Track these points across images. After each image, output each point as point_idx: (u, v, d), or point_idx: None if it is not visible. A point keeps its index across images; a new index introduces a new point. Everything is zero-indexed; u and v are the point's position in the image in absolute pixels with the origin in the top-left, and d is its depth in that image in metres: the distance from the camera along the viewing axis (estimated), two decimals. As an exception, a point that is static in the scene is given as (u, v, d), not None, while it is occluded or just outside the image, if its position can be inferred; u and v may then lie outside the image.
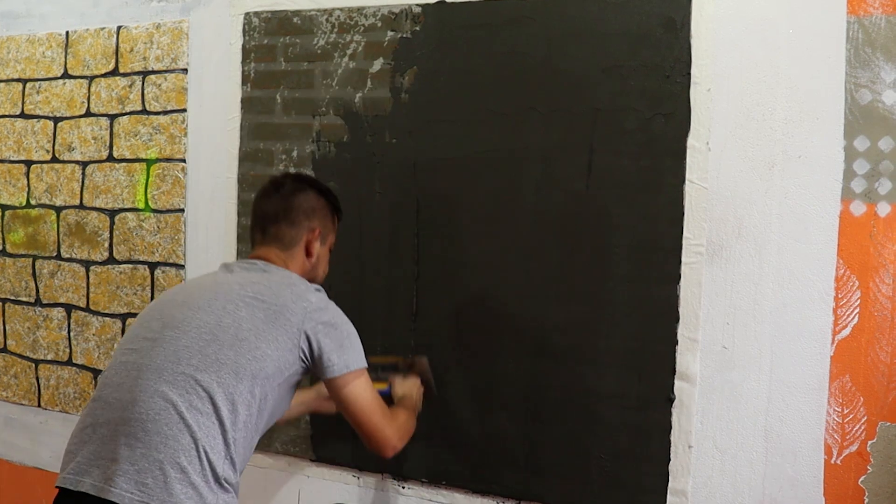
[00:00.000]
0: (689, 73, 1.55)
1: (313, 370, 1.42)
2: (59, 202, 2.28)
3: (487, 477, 1.72)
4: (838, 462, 1.48)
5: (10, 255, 2.37)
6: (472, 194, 1.72)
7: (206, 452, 1.28)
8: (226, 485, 1.31)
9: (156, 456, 1.25)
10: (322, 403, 1.73)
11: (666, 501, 1.58)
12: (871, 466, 1.46)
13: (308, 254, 1.54)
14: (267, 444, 1.95)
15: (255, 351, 1.34)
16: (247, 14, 1.96)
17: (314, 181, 1.62)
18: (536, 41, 1.66)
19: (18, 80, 2.33)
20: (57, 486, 1.33)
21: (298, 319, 1.38)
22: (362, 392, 1.43)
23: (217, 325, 1.34)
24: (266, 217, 1.54)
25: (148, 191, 2.14)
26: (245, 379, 1.32)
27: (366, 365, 1.45)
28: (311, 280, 1.54)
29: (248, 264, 1.49)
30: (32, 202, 2.32)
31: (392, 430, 1.46)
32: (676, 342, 1.56)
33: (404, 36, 1.78)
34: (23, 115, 2.33)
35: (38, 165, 2.31)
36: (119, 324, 2.19)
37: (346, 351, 1.41)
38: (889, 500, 1.45)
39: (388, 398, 1.66)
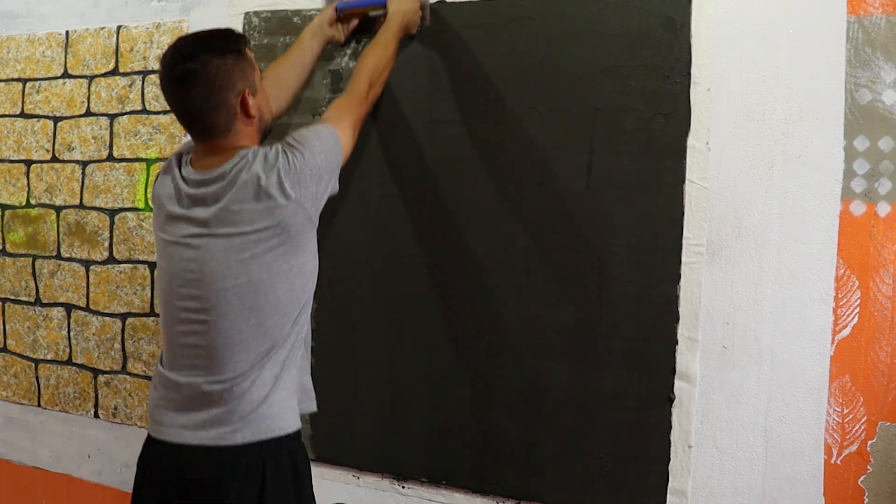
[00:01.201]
0: (689, 73, 1.54)
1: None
2: (59, 202, 2.28)
3: (487, 477, 1.72)
4: (838, 462, 1.48)
5: (10, 255, 2.37)
6: (472, 194, 1.72)
7: (291, 372, 1.45)
8: (307, 382, 1.53)
9: (252, 397, 1.40)
10: (330, 32, 1.77)
11: (666, 501, 1.58)
12: (871, 466, 1.46)
13: (248, 115, 1.42)
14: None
15: (292, 270, 1.40)
16: (247, 14, 1.96)
17: (206, 43, 1.41)
18: (536, 41, 1.66)
19: (18, 79, 2.33)
20: (156, 439, 1.46)
21: (303, 214, 1.39)
22: (349, 136, 1.52)
23: (249, 280, 1.38)
24: (189, 115, 1.41)
25: (148, 190, 2.14)
26: (300, 291, 1.43)
27: (339, 140, 1.48)
28: (265, 126, 1.51)
29: (209, 185, 1.39)
30: (32, 202, 2.32)
31: (364, 103, 1.58)
32: (676, 342, 1.56)
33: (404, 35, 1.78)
34: (23, 115, 2.33)
35: (38, 165, 2.31)
36: (119, 323, 2.19)
37: (334, 168, 1.46)
38: (889, 500, 1.45)
39: (381, 7, 1.73)
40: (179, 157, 1.48)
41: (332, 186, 1.48)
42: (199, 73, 1.36)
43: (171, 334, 1.46)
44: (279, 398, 1.42)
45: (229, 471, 1.39)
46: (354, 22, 1.81)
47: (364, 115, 1.61)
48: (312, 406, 1.55)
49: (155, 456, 1.46)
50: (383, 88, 1.68)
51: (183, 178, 1.43)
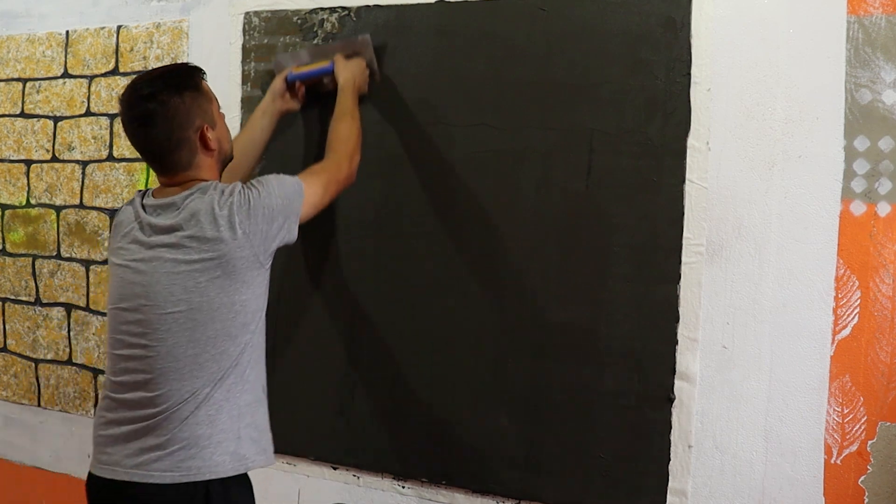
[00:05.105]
0: (689, 73, 1.54)
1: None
2: (58, 202, 2.28)
3: (487, 477, 1.72)
4: (838, 462, 1.48)
5: (10, 255, 2.37)
6: (471, 194, 1.72)
7: (231, 415, 1.40)
8: (258, 431, 1.45)
9: (183, 436, 1.37)
10: (283, 105, 1.80)
11: (666, 501, 1.58)
12: (871, 466, 1.46)
13: (207, 148, 1.46)
14: (267, 443, 1.95)
15: (234, 306, 1.39)
16: (247, 14, 1.96)
17: (163, 81, 1.43)
18: (536, 41, 1.66)
19: (18, 79, 2.33)
20: (96, 476, 1.43)
21: (250, 251, 1.40)
22: (315, 193, 1.52)
23: (189, 308, 1.38)
24: (152, 153, 1.46)
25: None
26: (241, 330, 1.41)
27: (303, 191, 1.48)
28: (225, 157, 1.53)
29: (163, 212, 1.43)
30: (32, 202, 2.32)
31: (343, 169, 1.59)
32: (676, 342, 1.56)
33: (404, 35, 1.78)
34: (23, 115, 2.33)
35: (38, 165, 2.31)
36: (119, 323, 2.19)
37: (290, 213, 1.45)
38: (889, 500, 1.45)
39: (329, 74, 1.76)
40: (144, 190, 1.52)
41: (287, 232, 1.46)
42: (157, 113, 1.40)
43: (114, 358, 1.46)
44: (215, 440, 1.38)
45: None
46: (303, 88, 1.81)
47: (343, 180, 1.60)
48: (264, 459, 1.47)
49: (89, 490, 1.45)
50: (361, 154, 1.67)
51: (143, 205, 1.47)
